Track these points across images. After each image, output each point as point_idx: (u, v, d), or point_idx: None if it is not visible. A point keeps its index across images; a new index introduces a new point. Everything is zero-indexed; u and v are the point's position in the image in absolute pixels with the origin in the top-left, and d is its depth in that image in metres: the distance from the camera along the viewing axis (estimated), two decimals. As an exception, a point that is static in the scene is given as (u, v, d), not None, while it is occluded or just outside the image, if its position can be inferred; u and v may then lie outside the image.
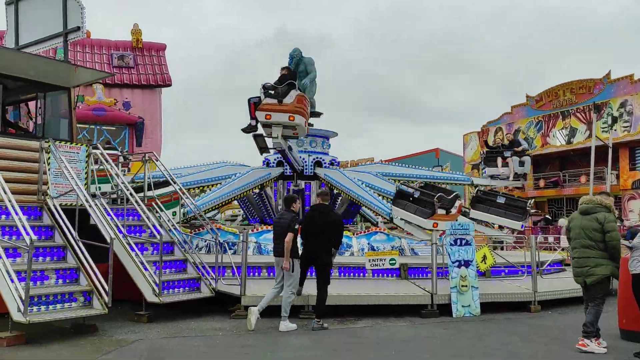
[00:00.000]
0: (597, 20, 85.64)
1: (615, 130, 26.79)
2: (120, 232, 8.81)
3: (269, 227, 13.18)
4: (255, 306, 8.14)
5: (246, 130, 12.83)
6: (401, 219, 13.14)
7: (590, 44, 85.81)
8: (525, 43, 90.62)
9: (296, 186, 15.93)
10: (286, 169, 16.05)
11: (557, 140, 33.33)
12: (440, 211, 12.21)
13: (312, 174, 16.10)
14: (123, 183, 9.01)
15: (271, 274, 10.71)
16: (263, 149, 13.87)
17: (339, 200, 17.20)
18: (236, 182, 15.17)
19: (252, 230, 13.01)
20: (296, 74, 12.81)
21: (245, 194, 15.64)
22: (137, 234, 9.53)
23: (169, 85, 26.75)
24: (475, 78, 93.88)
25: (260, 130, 12.57)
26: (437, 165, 40.02)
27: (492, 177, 16.42)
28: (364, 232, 13.37)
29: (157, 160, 10.34)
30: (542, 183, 33.24)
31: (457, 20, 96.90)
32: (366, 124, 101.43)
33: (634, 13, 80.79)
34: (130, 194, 8.90)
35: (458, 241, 9.84)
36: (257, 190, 16.56)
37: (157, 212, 10.22)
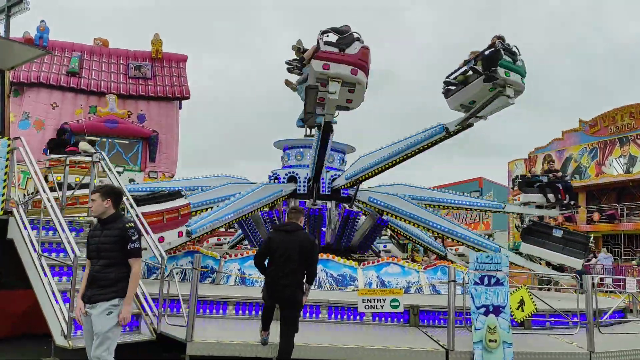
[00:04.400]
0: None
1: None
2: (35, 250, 6.74)
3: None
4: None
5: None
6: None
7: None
8: (592, 78, 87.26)
9: (314, 205, 13.54)
10: (299, 187, 13.86)
11: (614, 170, 30.03)
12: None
13: (328, 192, 13.81)
14: (43, 188, 6.93)
15: (245, 312, 8.45)
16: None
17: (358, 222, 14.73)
18: (247, 197, 12.97)
19: (234, 256, 10.76)
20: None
21: (254, 212, 13.46)
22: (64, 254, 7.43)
23: (187, 97, 25.13)
24: (538, 111, 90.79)
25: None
26: (476, 191, 37.25)
27: (525, 204, 14.13)
28: (373, 262, 10.89)
29: (106, 166, 8.23)
30: (596, 216, 29.87)
31: (526, 54, 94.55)
32: (424, 159, 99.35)
33: None
34: (48, 200, 6.81)
35: (485, 279, 7.30)
36: (266, 209, 14.45)
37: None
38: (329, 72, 8.93)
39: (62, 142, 11.66)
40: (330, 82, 9.08)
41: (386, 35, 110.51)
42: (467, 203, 14.93)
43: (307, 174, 13.81)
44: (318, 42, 9.13)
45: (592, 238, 12.84)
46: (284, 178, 14.29)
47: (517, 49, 10.23)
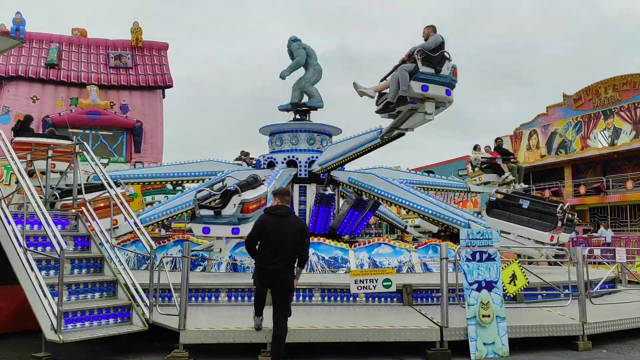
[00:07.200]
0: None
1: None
2: (20, 244, 6.61)
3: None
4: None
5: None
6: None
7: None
8: (580, 54, 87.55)
9: (324, 190, 13.12)
10: (300, 171, 13.57)
11: (599, 143, 30.23)
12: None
13: (306, 176, 13.61)
14: (25, 180, 6.79)
15: (237, 298, 8.40)
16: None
17: (341, 203, 14.55)
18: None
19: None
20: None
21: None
22: (50, 247, 7.31)
23: (170, 86, 24.85)
24: (524, 88, 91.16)
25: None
26: (463, 169, 37.40)
27: (485, 184, 15.24)
28: (364, 244, 10.86)
29: (87, 152, 8.13)
30: (582, 190, 30.13)
31: (514, 31, 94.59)
32: (416, 138, 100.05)
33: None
34: (32, 195, 6.66)
35: (477, 255, 7.31)
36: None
37: (87, 220, 8.00)
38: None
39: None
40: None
41: (379, 18, 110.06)
42: (429, 183, 15.50)
43: (309, 158, 13.60)
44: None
45: (563, 207, 11.40)
46: (282, 162, 13.87)
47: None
